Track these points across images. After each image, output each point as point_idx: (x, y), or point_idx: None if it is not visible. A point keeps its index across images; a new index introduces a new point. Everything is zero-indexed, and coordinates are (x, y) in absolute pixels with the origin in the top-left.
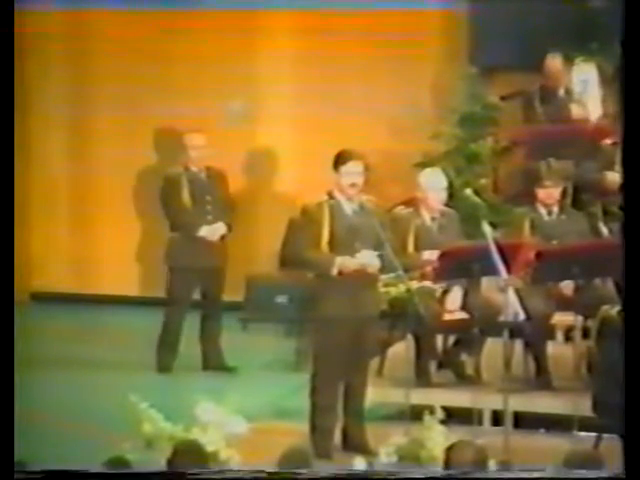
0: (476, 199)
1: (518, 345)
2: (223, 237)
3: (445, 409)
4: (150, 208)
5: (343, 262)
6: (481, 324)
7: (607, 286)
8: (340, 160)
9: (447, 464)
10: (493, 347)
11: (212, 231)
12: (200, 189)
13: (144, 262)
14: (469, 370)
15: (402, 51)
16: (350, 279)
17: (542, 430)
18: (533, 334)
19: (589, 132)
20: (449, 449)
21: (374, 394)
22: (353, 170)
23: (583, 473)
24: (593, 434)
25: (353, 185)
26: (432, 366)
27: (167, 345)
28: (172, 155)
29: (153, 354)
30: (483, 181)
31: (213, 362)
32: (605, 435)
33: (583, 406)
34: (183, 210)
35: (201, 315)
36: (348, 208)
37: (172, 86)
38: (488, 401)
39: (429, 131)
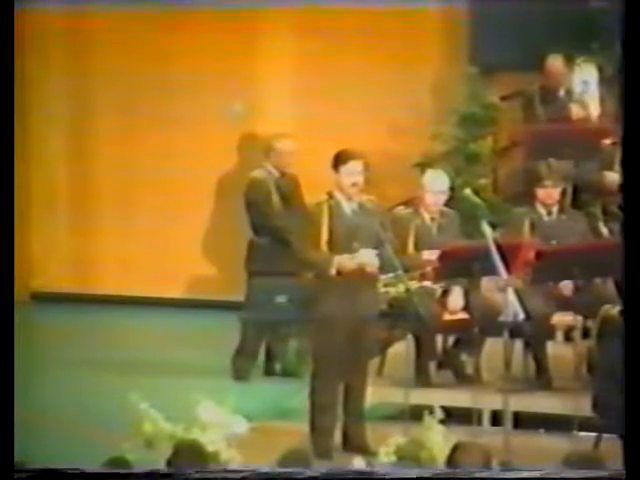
0: (476, 199)
1: (518, 345)
2: None
3: (445, 409)
4: (151, 208)
5: (341, 261)
6: (481, 324)
7: (607, 286)
8: (340, 160)
9: (452, 465)
10: (493, 347)
11: None
12: (285, 193)
13: (144, 262)
14: (469, 370)
15: (402, 51)
16: (349, 279)
17: (542, 430)
18: (533, 334)
19: (589, 132)
20: (454, 450)
21: (374, 394)
22: (353, 169)
23: (583, 473)
24: (593, 434)
25: (354, 184)
26: (432, 366)
27: (244, 353)
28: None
29: (153, 354)
30: (483, 181)
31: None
32: (605, 435)
33: (583, 406)
34: (276, 214)
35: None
36: (348, 208)
37: (172, 86)
38: (488, 401)
39: (429, 131)
